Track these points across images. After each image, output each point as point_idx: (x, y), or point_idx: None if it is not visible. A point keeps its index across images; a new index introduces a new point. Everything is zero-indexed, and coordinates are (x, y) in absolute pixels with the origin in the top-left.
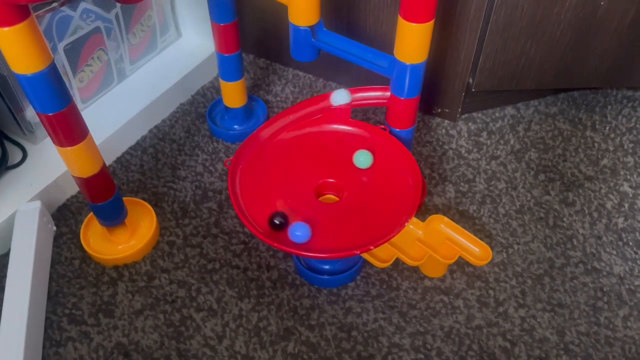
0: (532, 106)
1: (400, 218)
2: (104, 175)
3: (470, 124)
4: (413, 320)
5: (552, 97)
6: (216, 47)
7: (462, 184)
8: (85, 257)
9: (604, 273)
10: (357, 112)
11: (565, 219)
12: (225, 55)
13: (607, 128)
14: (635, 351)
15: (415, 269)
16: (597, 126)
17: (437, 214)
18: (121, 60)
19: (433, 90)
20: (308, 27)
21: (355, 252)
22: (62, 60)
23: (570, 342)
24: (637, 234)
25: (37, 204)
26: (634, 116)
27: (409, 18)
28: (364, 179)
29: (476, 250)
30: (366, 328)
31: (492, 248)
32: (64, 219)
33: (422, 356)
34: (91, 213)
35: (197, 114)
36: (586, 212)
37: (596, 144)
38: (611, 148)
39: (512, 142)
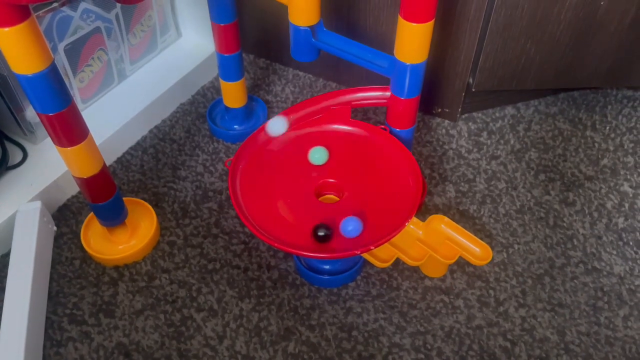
0: (532, 106)
1: (401, 218)
2: (105, 175)
3: (470, 123)
4: (413, 320)
5: (552, 97)
6: (216, 47)
7: (463, 183)
8: (86, 257)
9: (604, 273)
10: (357, 112)
11: (565, 219)
12: (225, 55)
13: (607, 128)
14: (635, 351)
15: (416, 269)
16: (597, 126)
17: (437, 213)
18: (121, 61)
19: (433, 90)
20: (308, 27)
21: (356, 252)
22: (62, 61)
23: (571, 342)
24: (638, 233)
25: (38, 204)
26: (634, 116)
27: (409, 18)
28: (364, 179)
29: (476, 250)
30: (367, 328)
31: (492, 248)
32: (64, 219)
33: (422, 356)
34: (91, 213)
35: (198, 114)
36: (586, 212)
37: (596, 144)
38: (611, 148)
39: (512, 142)
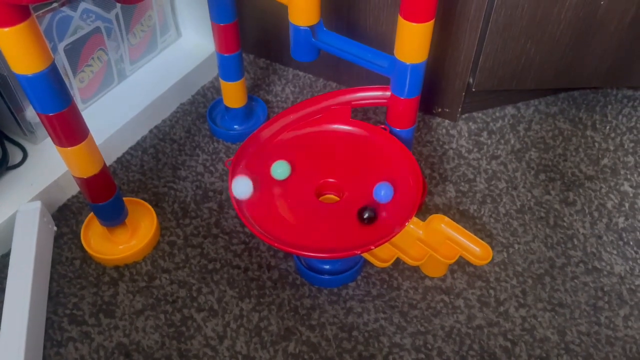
0: (533, 106)
1: (401, 218)
2: (105, 175)
3: (470, 123)
4: (414, 320)
5: (552, 96)
6: (216, 47)
7: (463, 183)
8: (86, 257)
9: (605, 272)
10: (357, 112)
11: (565, 219)
12: (226, 55)
13: (608, 127)
14: (636, 351)
15: (416, 269)
16: (597, 126)
17: (437, 213)
18: (121, 61)
19: (433, 90)
20: (308, 27)
21: (356, 252)
22: (62, 61)
23: (571, 342)
24: (638, 233)
25: (38, 204)
26: (634, 115)
27: (409, 18)
28: (364, 179)
29: (477, 250)
30: (367, 328)
31: (492, 248)
32: (64, 219)
33: (423, 356)
34: (92, 213)
35: (198, 114)
36: (587, 211)
37: (596, 144)
38: (611, 147)
39: (512, 141)
